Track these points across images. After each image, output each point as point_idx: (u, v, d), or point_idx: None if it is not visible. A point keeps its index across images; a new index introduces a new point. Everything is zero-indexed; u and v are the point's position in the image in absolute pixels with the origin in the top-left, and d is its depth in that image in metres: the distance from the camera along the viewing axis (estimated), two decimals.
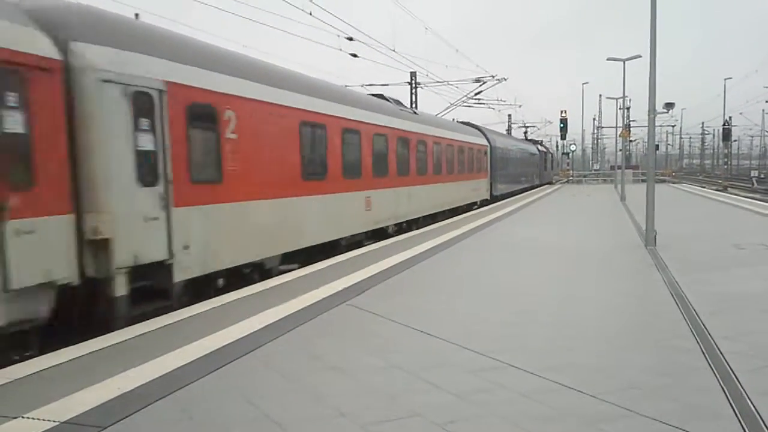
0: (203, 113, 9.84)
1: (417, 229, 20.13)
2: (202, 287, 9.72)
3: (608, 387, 5.36)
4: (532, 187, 50.96)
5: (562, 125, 61.37)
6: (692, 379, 5.63)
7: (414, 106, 39.45)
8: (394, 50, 29.86)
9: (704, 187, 52.84)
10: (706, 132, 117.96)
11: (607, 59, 35.85)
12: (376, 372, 5.88)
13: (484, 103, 44.65)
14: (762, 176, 72.22)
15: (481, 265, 12.37)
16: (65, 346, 6.65)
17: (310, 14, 20.72)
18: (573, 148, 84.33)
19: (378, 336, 7.19)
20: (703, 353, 6.34)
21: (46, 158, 7.23)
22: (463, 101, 40.04)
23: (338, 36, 26.15)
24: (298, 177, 12.91)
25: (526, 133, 79.41)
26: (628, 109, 49.74)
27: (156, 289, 8.78)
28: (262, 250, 11.44)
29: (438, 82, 39.93)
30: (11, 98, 6.85)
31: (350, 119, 15.74)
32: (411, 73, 40.70)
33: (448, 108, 37.81)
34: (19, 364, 6.11)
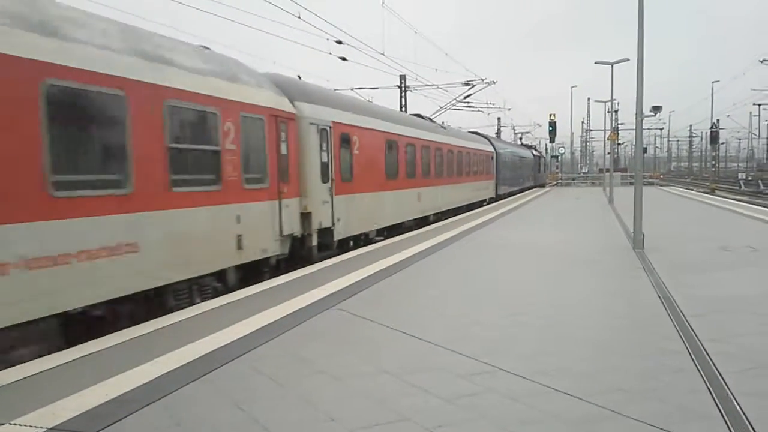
0: (344, 138, 15.91)
1: (446, 219, 25.56)
2: (343, 244, 15.81)
3: (596, 389, 5.39)
4: (529, 188, 55.65)
5: (551, 128, 61.63)
6: (679, 380, 5.67)
7: (404, 109, 39.52)
8: (383, 54, 29.90)
9: (692, 190, 53.19)
10: (694, 135, 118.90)
11: (596, 63, 36.04)
12: (365, 376, 5.88)
13: (473, 107, 44.78)
14: (749, 178, 72.67)
15: (470, 269, 12.40)
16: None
17: (299, 17, 20.76)
18: (562, 150, 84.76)
19: (367, 340, 7.20)
20: (690, 355, 6.38)
21: (292, 166, 13.14)
22: (453, 104, 40.14)
23: (327, 39, 26.20)
24: (384, 178, 18.88)
25: (521, 138, 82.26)
26: (616, 112, 50.11)
27: (324, 244, 14.57)
28: (368, 225, 17.58)
29: (427, 85, 40.07)
30: (282, 135, 12.72)
31: (410, 136, 21.73)
32: (400, 76, 40.78)
33: (437, 111, 37.87)
34: (7, 370, 6.07)
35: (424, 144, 23.32)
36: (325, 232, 14.54)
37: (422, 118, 26.65)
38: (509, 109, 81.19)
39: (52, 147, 7.28)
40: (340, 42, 26.88)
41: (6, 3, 7.13)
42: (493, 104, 52.30)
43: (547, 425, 4.73)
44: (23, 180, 6.96)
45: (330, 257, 14.06)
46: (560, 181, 75.02)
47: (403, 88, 41.15)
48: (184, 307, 9.17)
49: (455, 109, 41.92)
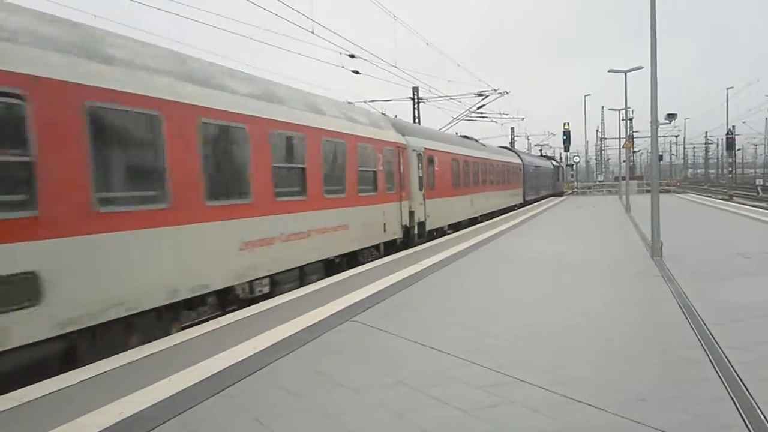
0: (430, 159, 22.16)
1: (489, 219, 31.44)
2: (430, 235, 21.74)
3: (617, 399, 5.33)
4: (549, 195, 59.69)
5: (565, 137, 61.53)
6: (701, 390, 5.60)
7: (417, 121, 39.58)
8: (395, 66, 30.01)
9: (709, 197, 52.74)
10: (710, 141, 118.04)
11: (609, 71, 35.92)
12: (383, 389, 5.86)
13: (486, 117, 44.76)
14: (767, 184, 72.02)
15: (487, 279, 12.36)
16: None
17: (312, 32, 20.87)
18: (576, 159, 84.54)
19: (385, 352, 7.18)
20: (712, 364, 6.30)
21: (405, 180, 19.38)
22: (466, 115, 40.15)
23: (340, 53, 26.33)
24: (451, 187, 25.18)
25: (541, 150, 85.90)
26: (630, 120, 49.91)
27: (419, 234, 20.56)
28: (443, 221, 23.91)
29: (440, 96, 40.09)
30: (401, 159, 19.14)
31: (465, 155, 28.19)
32: (413, 88, 40.88)
33: (450, 122, 38.05)
34: (26, 388, 6.10)
35: (474, 161, 29.79)
36: (421, 225, 20.90)
37: (469, 139, 33.69)
38: (523, 119, 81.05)
39: (453, 177, 25.64)
40: (352, 56, 27.02)
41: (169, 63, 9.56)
42: (507, 114, 52.16)
43: None
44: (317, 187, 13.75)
45: (424, 243, 20.14)
46: (576, 189, 74.72)
47: (416, 100, 41.23)
48: (366, 263, 15.88)
49: (469, 120, 41.97)
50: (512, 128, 78.56)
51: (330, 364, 6.67)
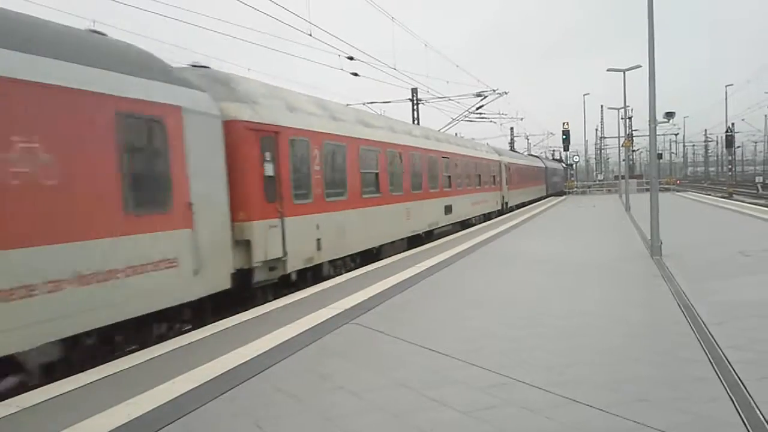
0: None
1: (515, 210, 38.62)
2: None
3: (616, 400, 5.36)
4: (560, 192, 68.80)
5: (564, 137, 61.55)
6: (700, 389, 5.62)
7: (416, 122, 39.59)
8: (394, 68, 30.02)
9: (709, 195, 52.76)
10: (709, 139, 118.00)
11: (608, 70, 35.94)
12: (382, 390, 5.88)
13: (485, 117, 44.77)
14: (767, 182, 71.99)
15: (485, 280, 12.38)
16: None
17: (310, 35, 20.89)
18: (576, 159, 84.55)
19: (384, 354, 7.21)
20: (711, 363, 6.32)
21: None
22: (465, 116, 40.18)
23: (339, 56, 26.35)
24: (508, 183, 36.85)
25: (553, 154, 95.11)
26: (630, 118, 49.96)
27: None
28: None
29: (439, 97, 40.10)
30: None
31: (511, 162, 39.29)
32: (412, 89, 40.87)
33: (449, 123, 38.06)
34: (30, 392, 6.13)
35: (519, 165, 43.14)
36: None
37: (513, 149, 48.06)
38: (522, 119, 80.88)
39: (509, 178, 38.64)
40: (351, 58, 27.04)
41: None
42: (506, 114, 52.18)
43: None
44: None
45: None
46: (575, 189, 74.78)
47: (415, 101, 41.24)
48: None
49: (468, 121, 42.03)
50: (511, 128, 78.63)
51: (330, 367, 6.70)
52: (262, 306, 10.19)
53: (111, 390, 6.07)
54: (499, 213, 34.84)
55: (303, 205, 12.72)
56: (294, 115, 13.00)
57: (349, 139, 15.37)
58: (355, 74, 29.62)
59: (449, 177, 24.64)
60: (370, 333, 8.19)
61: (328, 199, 13.86)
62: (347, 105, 21.86)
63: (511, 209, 37.99)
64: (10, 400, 5.91)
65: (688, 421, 4.89)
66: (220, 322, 9.14)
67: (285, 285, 12.11)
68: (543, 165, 59.90)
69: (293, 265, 12.16)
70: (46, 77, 7.03)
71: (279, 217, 11.65)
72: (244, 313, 9.73)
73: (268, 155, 11.56)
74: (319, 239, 13.30)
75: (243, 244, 10.70)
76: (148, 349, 7.70)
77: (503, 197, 35.98)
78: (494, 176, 33.86)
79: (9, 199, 6.47)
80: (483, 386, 5.89)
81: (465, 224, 27.09)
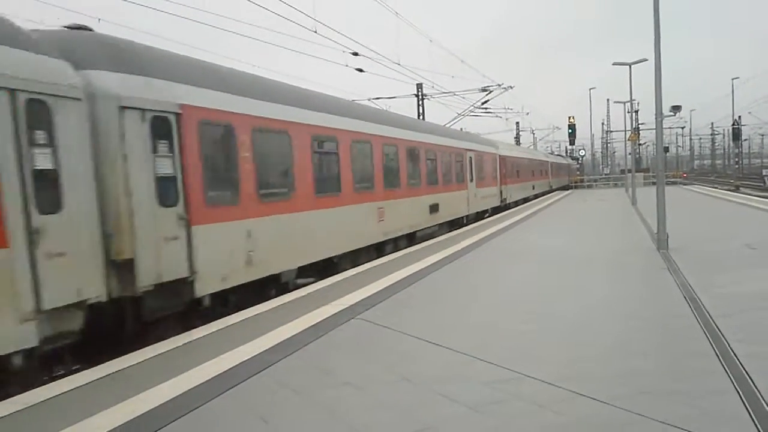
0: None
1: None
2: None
3: (622, 393, 5.33)
4: (565, 187, 70.97)
5: (570, 131, 61.32)
6: (707, 382, 5.60)
7: (421, 117, 39.54)
8: (399, 63, 29.97)
9: (716, 188, 52.54)
10: (716, 132, 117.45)
11: (613, 64, 35.84)
12: (388, 386, 5.87)
13: (491, 112, 44.67)
14: None
15: (491, 274, 12.35)
16: None
17: (315, 32, 20.86)
18: (582, 153, 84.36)
19: (390, 350, 7.19)
20: (718, 356, 6.29)
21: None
22: (470, 111, 40.08)
23: (344, 52, 26.33)
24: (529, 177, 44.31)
25: (566, 150, 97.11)
26: (636, 112, 49.68)
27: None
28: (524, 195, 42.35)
29: (444, 93, 40.01)
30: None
31: (542, 160, 54.65)
32: (417, 84, 40.79)
33: (455, 118, 37.88)
34: (34, 390, 6.14)
35: (548, 162, 56.22)
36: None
37: (518, 143, 60.06)
38: (527, 114, 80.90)
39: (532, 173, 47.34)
40: (356, 54, 27.01)
41: None
42: (511, 109, 52.23)
43: (575, 431, 4.68)
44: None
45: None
46: (581, 183, 74.70)
47: (420, 97, 41.17)
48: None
49: (473, 116, 41.92)
50: (517, 123, 78.50)
51: (334, 363, 6.69)
52: (263, 304, 10.15)
53: (115, 388, 6.07)
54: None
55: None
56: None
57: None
58: (360, 70, 29.58)
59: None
60: (375, 328, 8.18)
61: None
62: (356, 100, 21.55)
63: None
64: (15, 397, 5.92)
65: (695, 414, 4.86)
66: (222, 320, 9.12)
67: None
68: (547, 159, 61.60)
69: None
70: None
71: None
72: (245, 310, 9.70)
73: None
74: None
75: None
76: (151, 346, 7.68)
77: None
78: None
79: None
80: (489, 381, 5.87)
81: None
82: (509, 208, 34.27)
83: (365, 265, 14.50)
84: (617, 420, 4.82)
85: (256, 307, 9.88)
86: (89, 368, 6.85)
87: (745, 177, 75.88)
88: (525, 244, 17.19)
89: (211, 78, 10.49)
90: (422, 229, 20.50)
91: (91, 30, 9.17)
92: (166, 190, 8.82)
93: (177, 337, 8.17)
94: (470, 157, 27.50)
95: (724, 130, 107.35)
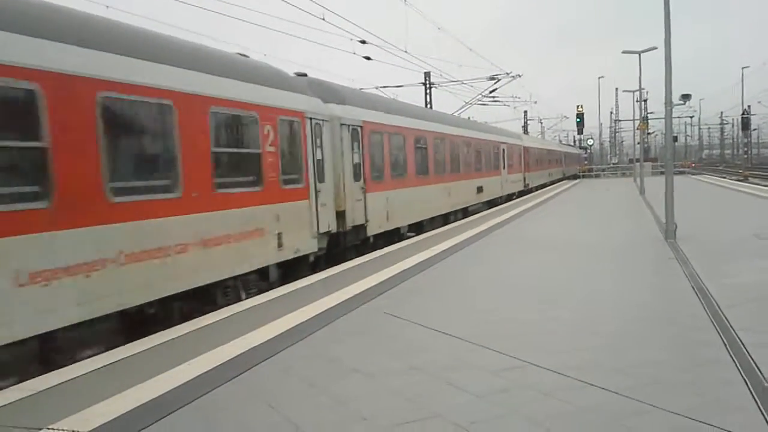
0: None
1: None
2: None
3: (630, 383, 5.31)
4: (573, 176, 72.69)
5: (578, 120, 61.05)
6: (715, 372, 5.57)
7: (429, 106, 39.43)
8: (406, 51, 29.88)
9: (725, 178, 52.29)
10: (725, 122, 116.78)
11: (623, 52, 35.59)
12: (395, 374, 5.87)
13: (499, 101, 44.52)
14: None
15: (500, 263, 12.33)
16: None
17: (323, 19, 20.79)
18: (590, 142, 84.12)
19: (397, 338, 7.19)
20: (726, 346, 6.26)
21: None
22: (478, 99, 39.95)
23: (351, 39, 26.25)
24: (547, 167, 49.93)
25: (575, 141, 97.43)
26: (645, 101, 49.48)
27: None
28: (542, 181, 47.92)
29: (452, 81, 39.88)
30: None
31: (557, 150, 62.04)
32: (425, 73, 40.71)
33: (463, 107, 37.83)
34: (41, 377, 6.15)
35: (563, 152, 64.04)
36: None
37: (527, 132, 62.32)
38: (535, 102, 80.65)
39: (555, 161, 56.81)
40: (363, 41, 26.93)
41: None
42: (519, 98, 52.05)
43: (581, 420, 4.66)
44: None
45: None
46: (589, 172, 74.58)
47: (427, 85, 41.05)
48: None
49: (481, 104, 41.78)
50: (525, 111, 78.21)
51: (342, 350, 6.68)
52: (273, 291, 10.17)
53: (122, 374, 6.08)
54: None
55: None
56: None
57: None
58: (368, 58, 29.48)
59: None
60: (383, 317, 8.17)
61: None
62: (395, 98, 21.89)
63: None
64: (22, 384, 5.94)
65: (703, 403, 4.84)
66: (229, 307, 9.13)
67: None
68: (561, 149, 68.41)
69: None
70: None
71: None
72: (254, 297, 9.73)
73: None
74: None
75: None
76: (157, 334, 7.70)
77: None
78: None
79: None
80: (497, 369, 5.86)
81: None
82: (530, 192, 39.91)
83: (376, 252, 14.56)
84: (625, 409, 4.80)
85: (263, 294, 9.90)
86: (95, 356, 6.87)
87: (755, 167, 75.42)
88: (533, 234, 17.15)
89: (374, 104, 17.50)
90: (472, 205, 26.78)
91: (306, 75, 14.95)
92: (357, 171, 15.07)
93: (183, 324, 8.20)
94: (503, 149, 33.66)
95: (733, 119, 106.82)
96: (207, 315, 8.71)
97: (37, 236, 6.71)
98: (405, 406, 5.09)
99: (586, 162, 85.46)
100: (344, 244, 14.52)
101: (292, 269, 12.00)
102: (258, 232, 10.58)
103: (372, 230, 15.67)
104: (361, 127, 15.35)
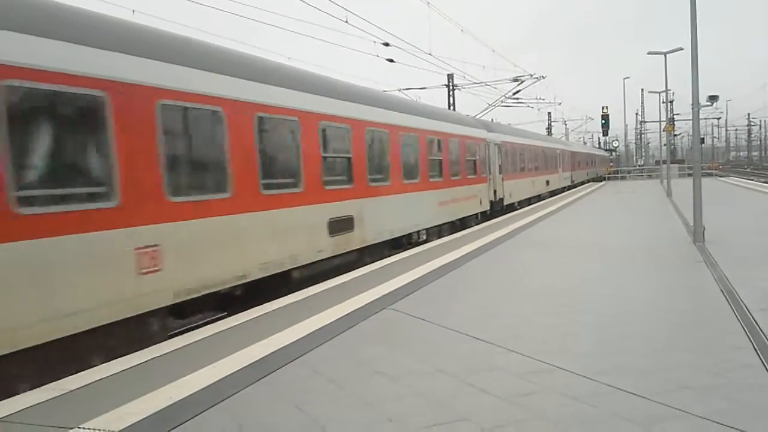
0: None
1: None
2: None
3: (659, 388, 5.27)
4: (599, 178, 74.69)
5: (603, 121, 60.63)
6: (746, 377, 5.51)
7: (452, 108, 39.39)
8: (430, 53, 29.85)
9: (752, 180, 51.59)
10: (753, 123, 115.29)
11: (648, 53, 35.35)
12: (422, 376, 5.88)
13: (522, 103, 44.35)
14: None
15: (525, 266, 12.28)
16: None
17: (346, 22, 20.86)
18: (616, 144, 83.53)
19: (422, 340, 7.20)
20: (756, 350, 6.19)
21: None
22: (502, 101, 39.83)
23: (374, 42, 26.30)
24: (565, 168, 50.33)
25: (603, 145, 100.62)
26: (671, 102, 49.08)
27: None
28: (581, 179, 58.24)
29: (475, 83, 39.78)
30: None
31: (591, 153, 72.42)
32: (448, 75, 40.62)
33: (485, 109, 37.65)
34: (73, 376, 6.25)
35: (595, 155, 73.03)
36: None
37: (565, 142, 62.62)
38: (560, 104, 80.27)
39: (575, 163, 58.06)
40: (387, 44, 26.97)
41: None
42: (543, 99, 51.88)
43: (610, 425, 4.64)
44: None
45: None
46: (614, 174, 74.06)
47: (451, 87, 40.99)
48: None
49: (504, 106, 41.70)
50: (549, 113, 77.85)
51: (368, 352, 6.70)
52: (298, 292, 10.23)
53: (151, 374, 6.15)
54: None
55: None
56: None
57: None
58: (391, 60, 29.53)
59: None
60: (408, 319, 8.18)
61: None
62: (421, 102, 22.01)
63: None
64: (51, 384, 6.03)
65: (733, 408, 4.79)
66: (256, 308, 9.20)
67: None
68: (605, 154, 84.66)
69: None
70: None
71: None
72: (280, 299, 9.78)
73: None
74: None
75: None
76: (186, 334, 7.80)
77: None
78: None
79: None
80: (523, 373, 5.84)
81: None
82: (574, 188, 50.83)
83: (398, 255, 14.54)
84: (653, 414, 4.77)
85: (287, 297, 9.95)
86: (125, 356, 6.96)
87: None
88: (558, 236, 17.07)
89: (505, 130, 29.86)
90: (542, 194, 37.18)
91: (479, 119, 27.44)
92: (503, 169, 27.04)
93: (211, 325, 8.28)
94: (559, 153, 45.62)
95: (761, 120, 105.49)
96: (233, 316, 8.79)
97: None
98: (431, 408, 5.10)
99: (611, 164, 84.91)
100: (498, 207, 26.05)
101: (480, 217, 23.63)
102: (474, 197, 22.84)
103: (506, 202, 27.31)
104: (501, 144, 27.09)
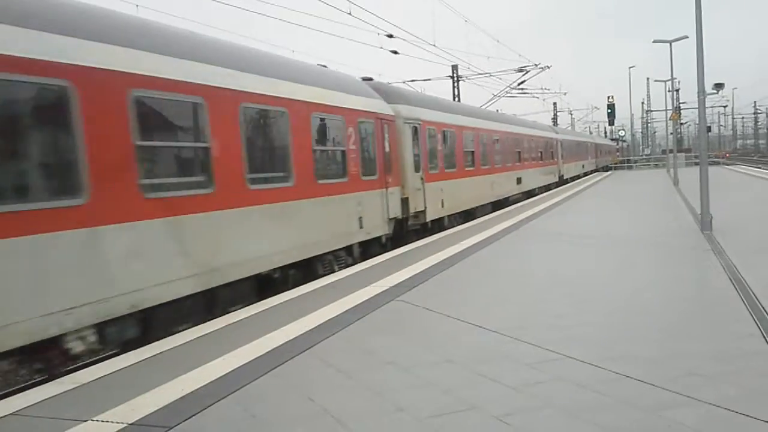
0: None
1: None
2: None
3: (668, 375, 5.29)
4: (605, 168, 74.79)
5: (609, 111, 60.49)
6: (754, 363, 5.52)
7: (457, 99, 39.34)
8: (434, 45, 29.81)
9: (759, 168, 51.39)
10: (759, 111, 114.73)
11: (654, 42, 35.16)
12: (431, 366, 5.91)
13: (528, 93, 44.26)
14: None
15: (533, 256, 12.30)
16: None
17: (350, 14, 20.83)
18: (622, 133, 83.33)
19: (431, 331, 7.23)
20: (764, 337, 6.20)
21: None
22: (507, 92, 39.76)
23: (378, 34, 26.27)
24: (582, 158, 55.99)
25: (609, 134, 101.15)
26: (677, 91, 48.84)
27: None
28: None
29: (480, 74, 39.72)
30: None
31: (606, 143, 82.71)
32: (452, 66, 40.57)
33: (490, 99, 37.63)
34: (85, 369, 6.31)
35: (605, 144, 79.63)
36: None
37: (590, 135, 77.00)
38: (565, 94, 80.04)
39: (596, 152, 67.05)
40: (391, 36, 26.93)
41: None
42: (549, 89, 51.69)
43: (619, 412, 4.66)
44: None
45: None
46: (620, 163, 73.92)
47: (455, 78, 40.94)
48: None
49: (509, 96, 41.65)
50: (554, 103, 77.66)
51: (377, 343, 6.74)
52: (306, 285, 10.28)
53: (163, 367, 6.21)
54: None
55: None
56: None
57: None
58: (395, 52, 29.49)
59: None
60: (417, 310, 8.22)
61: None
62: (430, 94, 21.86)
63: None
64: (64, 377, 6.10)
65: (742, 394, 4.81)
66: (265, 300, 9.25)
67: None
68: (608, 143, 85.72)
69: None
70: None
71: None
72: (288, 291, 9.83)
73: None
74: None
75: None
76: (197, 327, 7.86)
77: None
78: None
79: None
80: (532, 362, 5.87)
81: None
82: (596, 172, 58.40)
83: (406, 246, 14.58)
84: (663, 401, 4.79)
85: (298, 288, 10.00)
86: (137, 349, 7.02)
87: None
88: (565, 226, 17.07)
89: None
90: (578, 174, 45.09)
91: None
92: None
93: (222, 317, 8.35)
94: (589, 145, 55.95)
95: (767, 108, 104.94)
96: (242, 309, 8.84)
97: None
98: (441, 397, 5.13)
99: (618, 153, 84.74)
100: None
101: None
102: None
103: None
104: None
